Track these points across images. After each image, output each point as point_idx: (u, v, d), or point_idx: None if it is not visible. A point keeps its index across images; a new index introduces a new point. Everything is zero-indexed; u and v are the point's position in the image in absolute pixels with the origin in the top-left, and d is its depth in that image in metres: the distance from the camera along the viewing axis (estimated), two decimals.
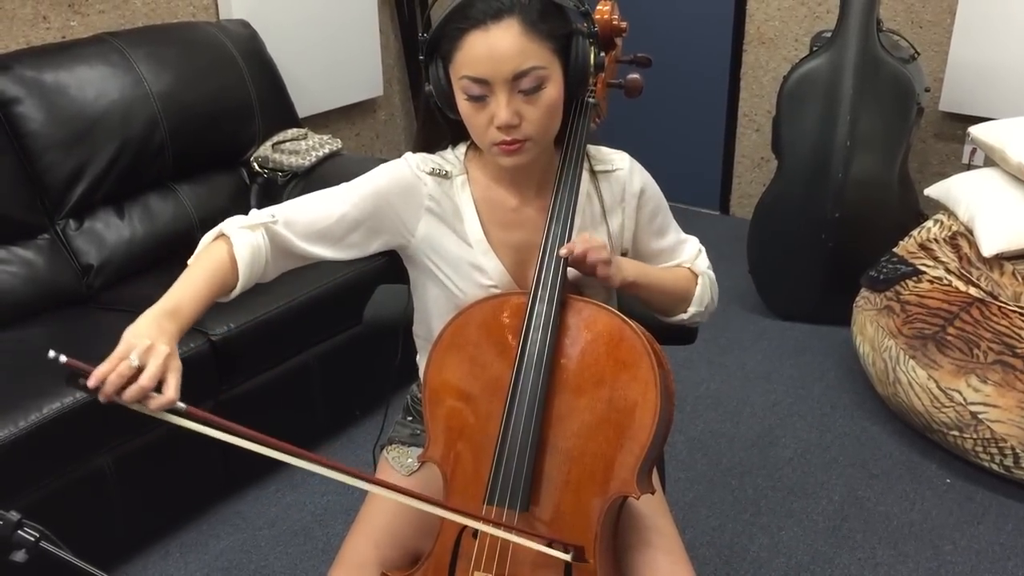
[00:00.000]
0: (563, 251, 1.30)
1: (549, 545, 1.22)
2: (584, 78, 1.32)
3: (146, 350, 1.10)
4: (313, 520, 2.49)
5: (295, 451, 1.17)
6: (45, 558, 1.01)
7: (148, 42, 2.86)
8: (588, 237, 1.33)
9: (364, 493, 1.56)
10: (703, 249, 1.57)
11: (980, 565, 2.29)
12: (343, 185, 1.40)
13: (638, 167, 1.47)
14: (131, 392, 1.07)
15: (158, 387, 1.10)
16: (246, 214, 1.33)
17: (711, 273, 1.55)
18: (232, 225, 1.30)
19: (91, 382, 1.07)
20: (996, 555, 2.32)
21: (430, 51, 1.31)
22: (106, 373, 1.07)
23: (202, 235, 1.33)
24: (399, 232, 1.40)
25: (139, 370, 1.08)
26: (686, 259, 1.54)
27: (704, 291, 1.51)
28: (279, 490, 2.60)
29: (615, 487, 1.27)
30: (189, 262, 1.28)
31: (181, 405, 1.08)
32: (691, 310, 1.50)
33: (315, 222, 1.35)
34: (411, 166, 1.40)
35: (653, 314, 1.52)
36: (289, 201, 1.38)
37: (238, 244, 1.28)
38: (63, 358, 1.05)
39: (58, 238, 2.63)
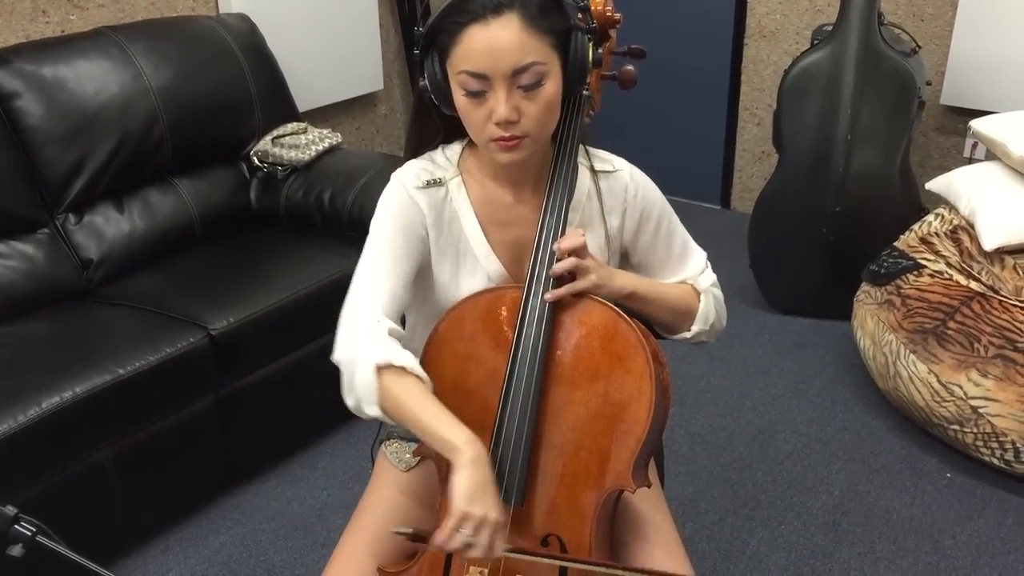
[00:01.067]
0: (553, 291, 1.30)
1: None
2: (583, 74, 1.31)
3: (480, 521, 1.15)
4: (313, 515, 2.49)
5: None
6: (42, 553, 1.01)
7: (147, 36, 2.86)
8: (573, 245, 1.30)
9: (362, 488, 1.57)
10: (709, 265, 1.53)
11: (980, 559, 2.29)
12: (373, 245, 1.35)
13: (638, 171, 1.46)
14: (468, 557, 1.19)
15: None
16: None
17: (717, 292, 1.51)
18: (379, 353, 1.25)
19: (432, 548, 1.20)
20: (996, 549, 2.32)
21: (426, 45, 1.30)
22: (443, 545, 1.17)
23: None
24: (427, 256, 1.39)
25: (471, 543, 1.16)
26: (690, 275, 1.50)
27: (708, 309, 1.47)
28: (279, 485, 2.60)
29: (610, 481, 1.26)
30: (378, 410, 1.25)
31: (507, 548, 1.20)
32: (694, 328, 1.47)
33: (395, 302, 1.33)
34: (405, 188, 1.37)
35: (656, 330, 1.49)
36: (361, 293, 1.33)
37: (409, 363, 1.25)
38: (407, 530, 1.23)
39: (58, 232, 2.63)
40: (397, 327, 1.30)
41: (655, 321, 1.45)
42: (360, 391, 1.26)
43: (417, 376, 1.25)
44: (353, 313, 1.32)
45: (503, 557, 1.25)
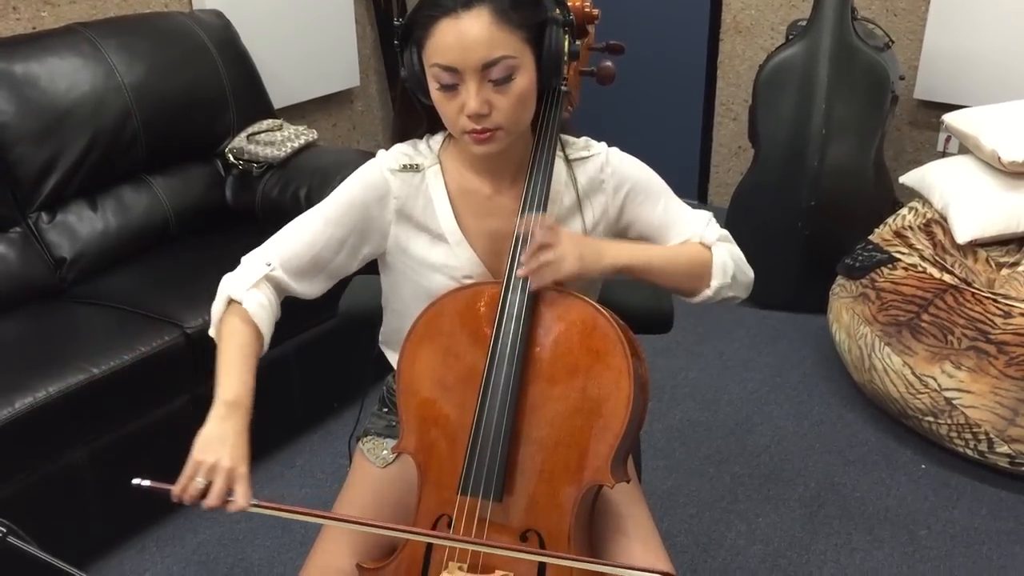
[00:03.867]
0: (520, 272, 1.28)
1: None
2: (557, 68, 1.31)
3: (210, 468, 1.16)
4: None
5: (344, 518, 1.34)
6: (13, 553, 1.00)
7: (120, 32, 2.83)
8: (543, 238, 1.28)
9: (340, 486, 1.56)
10: (713, 221, 1.47)
11: (955, 549, 2.31)
12: (322, 203, 1.40)
13: (617, 151, 1.45)
14: (207, 506, 1.17)
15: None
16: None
17: (732, 245, 1.47)
18: (238, 287, 1.32)
19: (173, 499, 1.17)
20: (971, 539, 2.35)
21: (404, 37, 1.30)
22: (179, 494, 1.16)
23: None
24: (378, 239, 1.41)
25: (208, 486, 1.16)
26: (692, 233, 1.45)
27: (724, 261, 1.42)
28: (256, 483, 2.54)
29: (589, 476, 1.27)
30: (214, 335, 1.33)
31: (253, 502, 1.18)
32: (714, 284, 1.42)
33: (305, 253, 1.37)
34: (381, 167, 1.39)
35: (677, 296, 1.46)
36: (275, 237, 1.39)
37: (252, 309, 1.31)
38: (146, 483, 1.17)
39: (30, 231, 2.60)
40: (283, 276, 1.36)
41: (668, 285, 1.42)
42: (213, 313, 1.35)
43: (250, 327, 1.31)
44: (256, 251, 1.38)
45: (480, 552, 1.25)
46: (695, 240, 1.46)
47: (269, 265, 1.35)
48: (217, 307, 1.34)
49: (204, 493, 1.16)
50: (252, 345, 1.31)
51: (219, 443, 1.19)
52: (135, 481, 1.16)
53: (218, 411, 1.23)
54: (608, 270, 1.34)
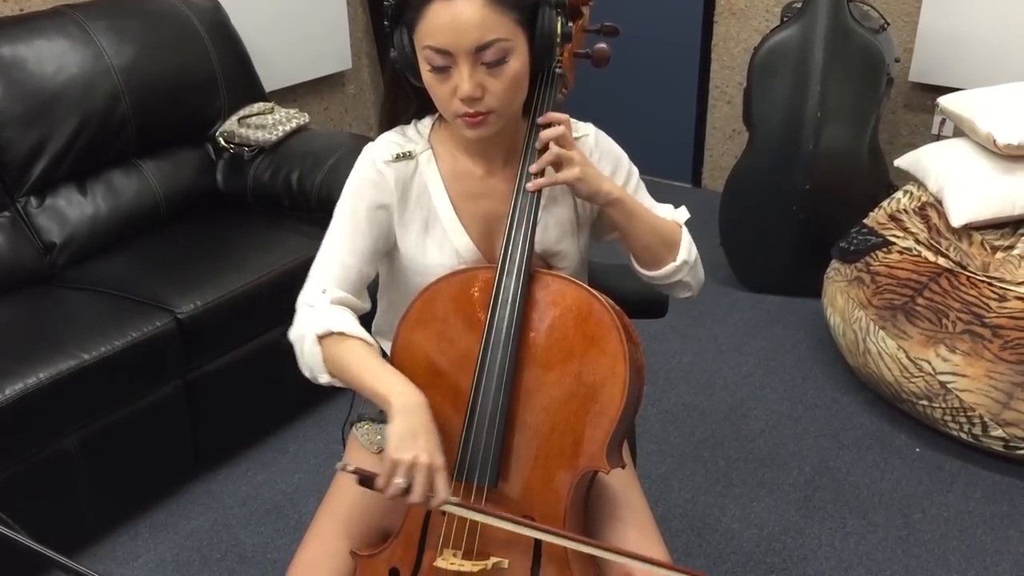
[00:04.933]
0: (533, 169, 1.29)
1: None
2: (550, 50, 1.29)
3: (410, 467, 1.18)
4: (284, 499, 2.47)
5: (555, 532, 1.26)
6: (2, 543, 0.98)
7: (108, 14, 2.80)
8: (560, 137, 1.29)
9: (334, 472, 1.55)
10: (684, 209, 1.49)
11: (949, 533, 2.32)
12: (337, 220, 1.38)
13: (604, 134, 1.45)
14: (411, 502, 1.20)
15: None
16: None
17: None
18: (318, 322, 1.30)
19: (377, 492, 1.22)
20: (965, 523, 2.35)
21: (395, 18, 1.28)
22: (383, 490, 1.20)
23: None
24: (392, 233, 1.40)
25: (410, 485, 1.19)
26: (663, 214, 1.46)
27: (690, 241, 1.44)
28: (250, 469, 2.58)
29: (584, 462, 1.26)
30: (327, 377, 1.31)
31: (453, 499, 1.21)
32: (680, 257, 1.42)
33: (348, 274, 1.36)
34: (374, 161, 1.37)
35: (638, 265, 1.45)
36: (314, 270, 1.37)
37: (346, 327, 1.30)
38: (351, 467, 1.23)
39: (19, 216, 2.58)
40: (345, 295, 1.35)
41: (640, 243, 1.40)
42: (309, 361, 1.32)
43: (359, 338, 1.29)
44: (304, 291, 1.37)
45: (475, 537, 1.25)
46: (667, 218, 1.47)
47: (325, 292, 1.33)
48: (311, 352, 1.30)
49: (406, 490, 1.18)
50: (375, 349, 1.31)
51: (412, 439, 1.19)
52: (339, 465, 1.24)
53: (399, 408, 1.21)
54: (602, 196, 1.33)
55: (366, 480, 1.21)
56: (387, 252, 1.43)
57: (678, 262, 1.42)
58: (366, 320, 1.56)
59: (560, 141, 1.29)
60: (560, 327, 1.28)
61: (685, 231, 1.46)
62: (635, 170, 1.48)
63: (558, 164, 1.30)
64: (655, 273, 1.44)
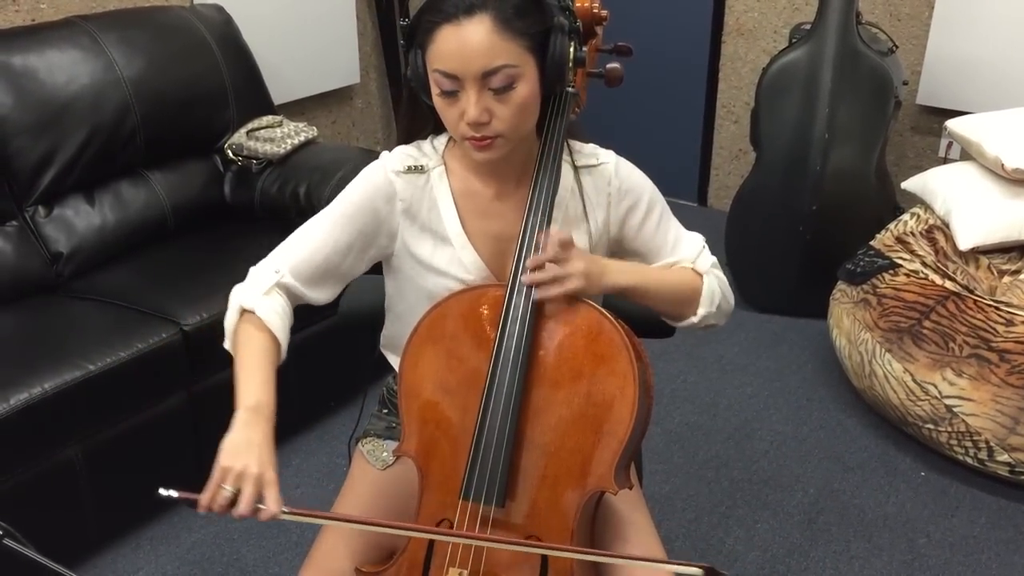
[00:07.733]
0: (526, 279, 1.27)
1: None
2: (561, 75, 1.29)
3: (238, 476, 1.14)
4: None
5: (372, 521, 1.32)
6: (6, 554, 0.98)
7: (120, 26, 2.81)
8: (555, 250, 1.27)
9: (337, 486, 1.55)
10: (706, 247, 1.48)
11: (954, 558, 2.30)
12: (327, 208, 1.39)
13: (625, 162, 1.44)
14: (237, 514, 1.14)
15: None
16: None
17: (719, 272, 1.47)
18: (249, 297, 1.32)
19: (200, 510, 1.15)
20: (970, 548, 2.34)
21: (409, 38, 1.29)
22: (208, 503, 1.14)
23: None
24: (386, 242, 1.40)
25: (236, 494, 1.14)
26: (684, 257, 1.45)
27: (712, 290, 1.43)
28: None
29: (592, 482, 1.25)
30: (229, 347, 1.32)
31: (285, 510, 1.16)
32: (700, 312, 1.42)
33: (314, 259, 1.37)
34: (385, 168, 1.38)
35: (660, 318, 1.46)
36: (283, 245, 1.39)
37: (266, 316, 1.31)
38: (174, 494, 1.14)
39: (27, 225, 2.58)
40: (294, 282, 1.35)
41: (658, 308, 1.42)
42: (226, 324, 1.34)
43: (269, 335, 1.30)
44: (262, 261, 1.38)
45: (481, 556, 1.24)
46: (687, 264, 1.46)
47: (278, 272, 1.34)
48: (230, 319, 1.33)
49: (233, 502, 1.14)
50: (269, 351, 1.30)
51: (245, 449, 1.17)
52: (162, 491, 1.14)
53: (241, 417, 1.21)
54: (611, 291, 1.34)
55: (190, 503, 1.16)
56: (389, 263, 1.43)
57: (697, 318, 1.44)
58: (373, 329, 1.56)
59: (554, 259, 1.27)
60: (570, 346, 1.28)
61: (707, 279, 1.44)
62: (658, 199, 1.45)
63: (556, 281, 1.27)
64: (677, 325, 1.47)
